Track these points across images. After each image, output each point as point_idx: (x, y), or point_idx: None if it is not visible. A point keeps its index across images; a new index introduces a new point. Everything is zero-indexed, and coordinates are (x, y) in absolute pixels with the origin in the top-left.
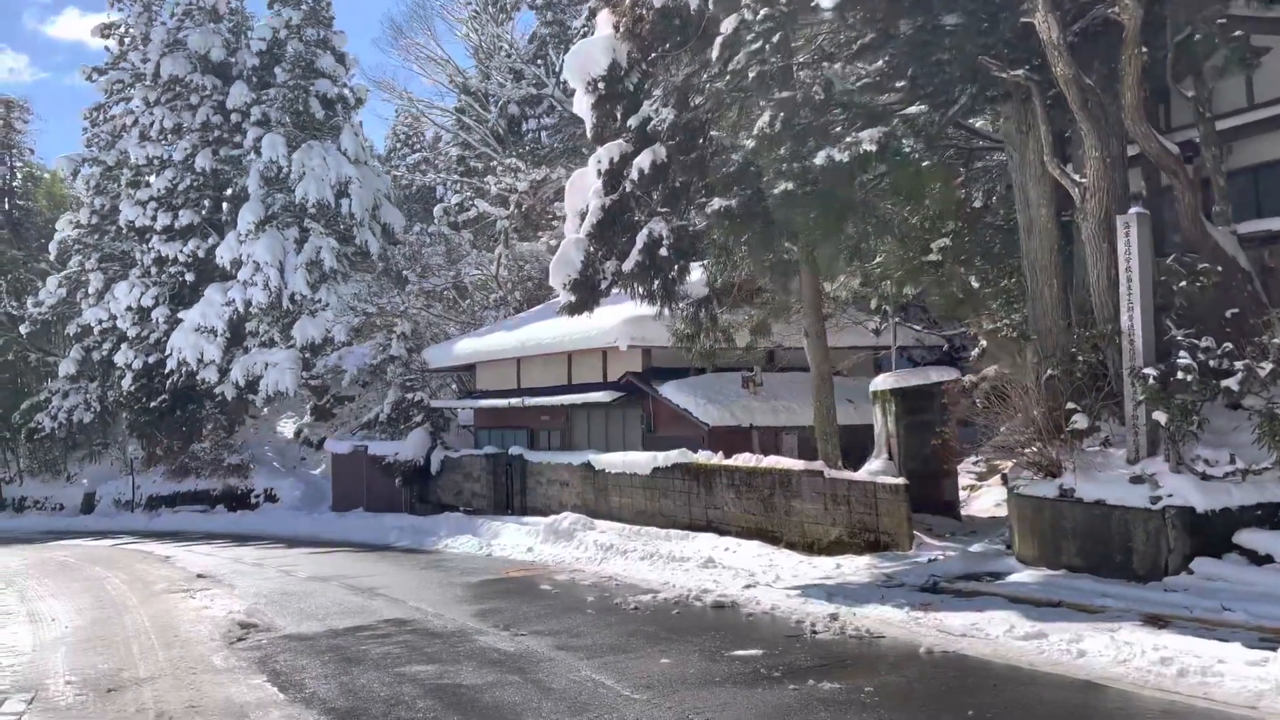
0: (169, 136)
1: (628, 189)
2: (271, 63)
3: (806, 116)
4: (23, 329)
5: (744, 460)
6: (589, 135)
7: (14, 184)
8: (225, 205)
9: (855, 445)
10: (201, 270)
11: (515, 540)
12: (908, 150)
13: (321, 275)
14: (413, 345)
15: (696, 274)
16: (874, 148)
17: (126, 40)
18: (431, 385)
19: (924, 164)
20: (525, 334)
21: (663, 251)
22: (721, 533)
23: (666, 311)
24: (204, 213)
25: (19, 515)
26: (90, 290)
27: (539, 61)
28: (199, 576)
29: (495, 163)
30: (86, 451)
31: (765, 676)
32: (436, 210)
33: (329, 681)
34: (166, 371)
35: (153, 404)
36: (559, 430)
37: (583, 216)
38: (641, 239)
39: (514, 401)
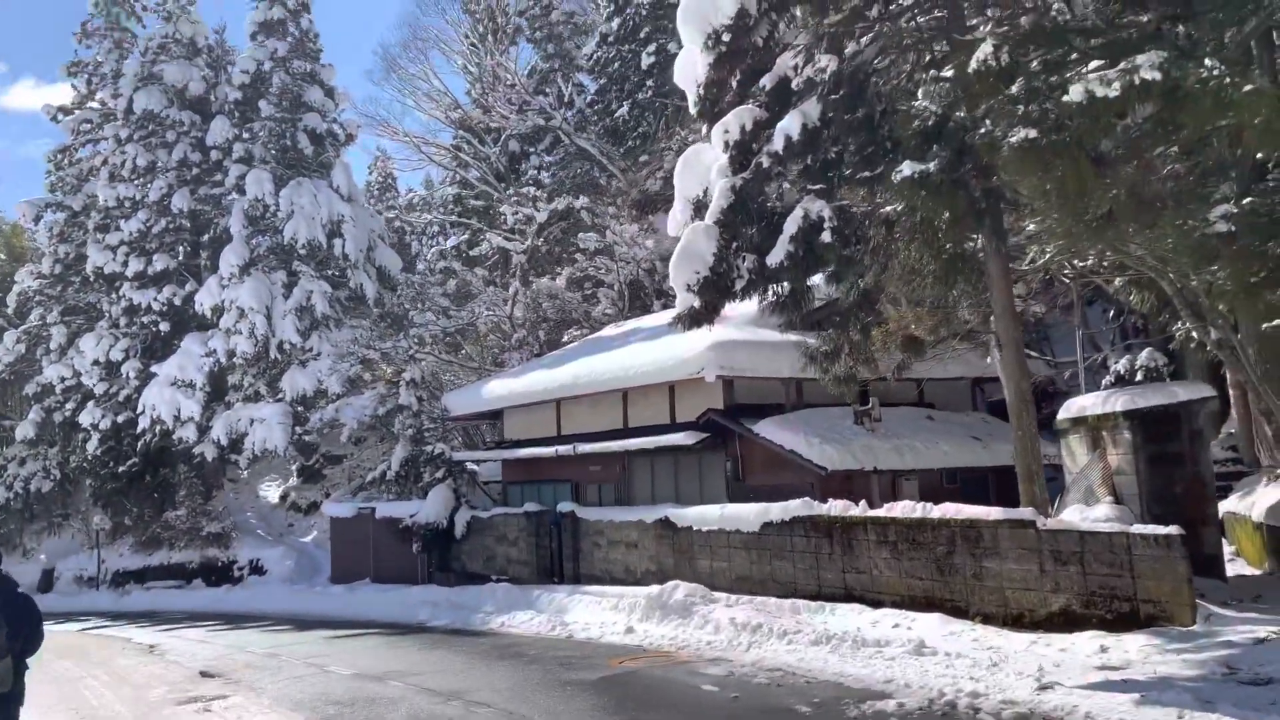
0: (142, 176)
1: (764, 164)
2: (255, 97)
3: (1041, 46)
4: None
5: (903, 510)
6: (695, 109)
7: None
8: (204, 250)
9: (994, 492)
10: (178, 319)
11: (595, 616)
12: (1206, 75)
13: (313, 322)
14: (424, 393)
15: (815, 278)
16: (1157, 75)
17: (95, 79)
18: (451, 438)
19: (1240, 89)
20: (574, 369)
21: (825, 237)
22: (872, 603)
23: (786, 324)
24: (181, 257)
25: None
26: (52, 345)
27: (545, 91)
28: (204, 676)
29: (510, 191)
30: (45, 524)
31: None
32: (431, 254)
33: None
34: (138, 431)
35: (121, 468)
36: (613, 483)
37: (696, 206)
38: (793, 224)
39: (560, 450)
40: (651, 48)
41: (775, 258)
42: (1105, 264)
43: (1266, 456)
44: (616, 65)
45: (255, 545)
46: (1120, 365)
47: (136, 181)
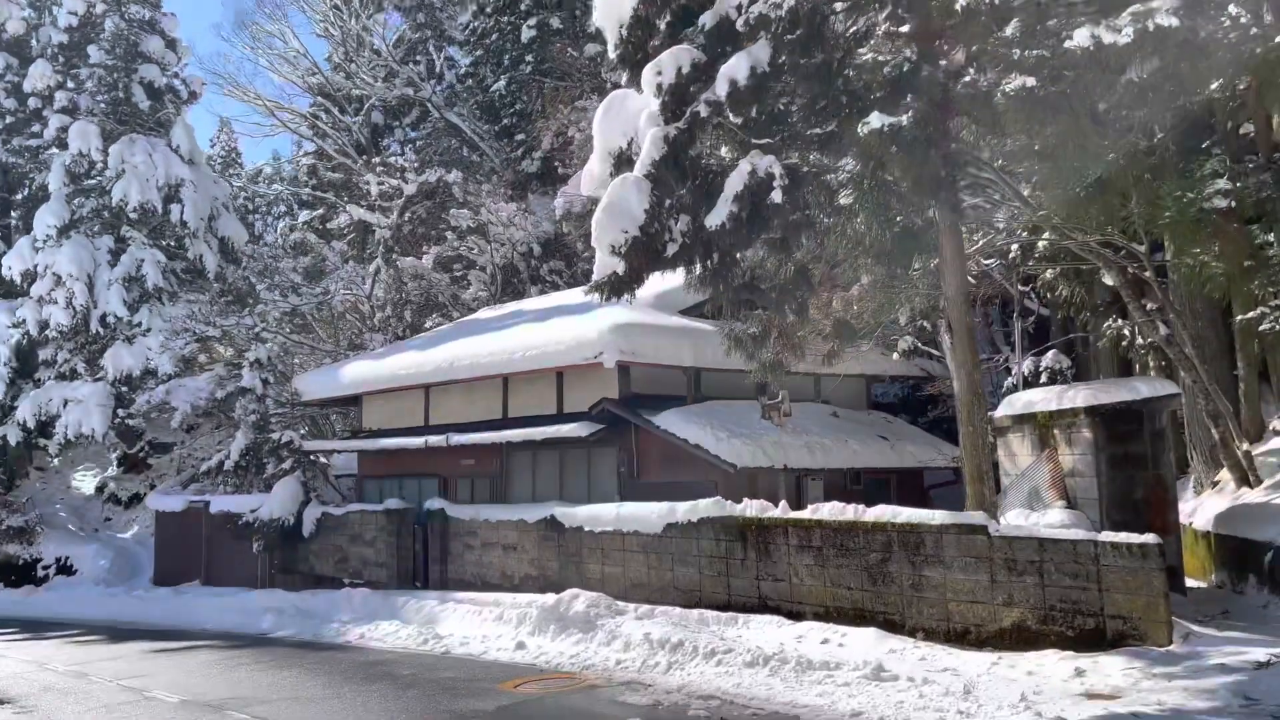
0: None
1: (702, 113)
2: (84, 42)
3: None
4: None
5: (831, 512)
6: (617, 52)
7: None
8: (16, 210)
9: (895, 495)
10: None
11: (475, 628)
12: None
13: (143, 293)
14: (270, 376)
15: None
16: (1173, 21)
17: None
18: (299, 427)
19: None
20: (450, 351)
21: (775, 197)
22: (792, 615)
23: (713, 298)
24: None
25: None
26: None
27: (414, 61)
28: None
29: (377, 160)
30: None
31: None
32: (281, 227)
33: None
34: None
35: None
36: (488, 479)
37: (618, 159)
38: (738, 180)
39: (431, 440)
40: (532, 21)
41: (715, 219)
42: (1039, 252)
43: (1200, 462)
44: (494, 37)
45: (64, 541)
46: (1025, 366)
47: None
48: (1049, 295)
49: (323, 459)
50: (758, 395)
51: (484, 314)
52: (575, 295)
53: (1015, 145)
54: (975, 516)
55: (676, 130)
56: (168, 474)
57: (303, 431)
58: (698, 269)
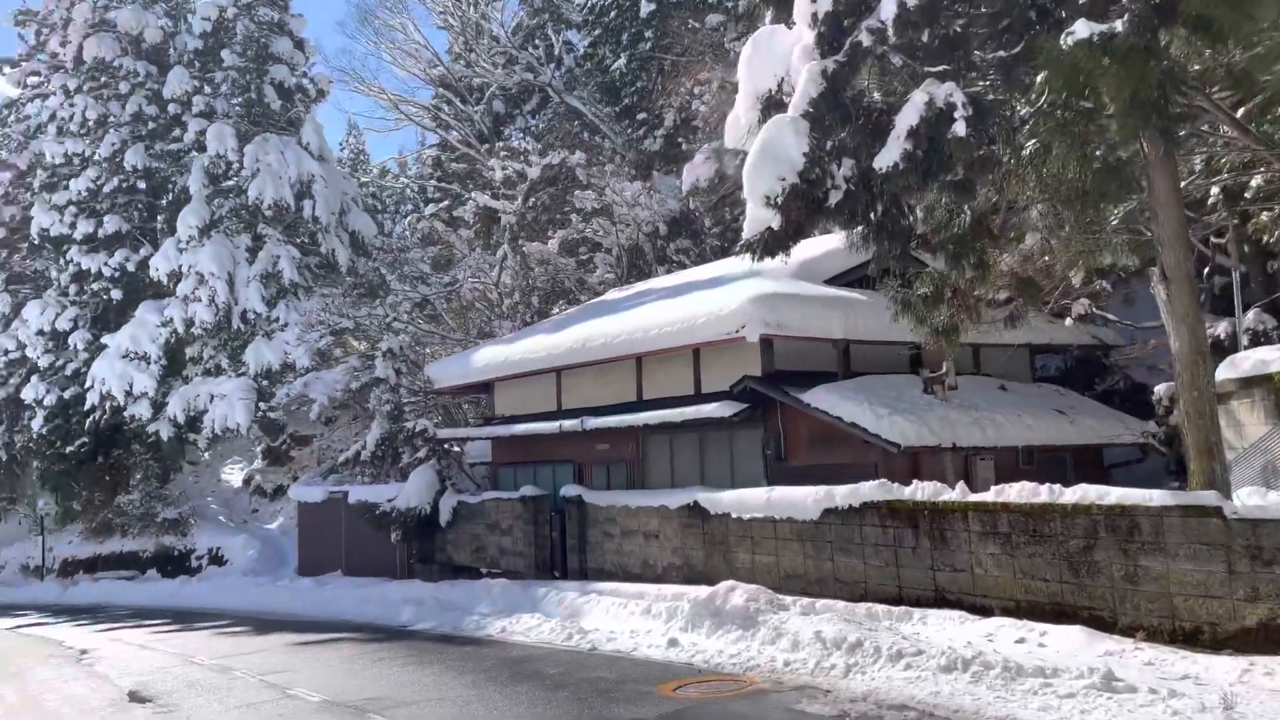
0: (93, 130)
1: (864, 42)
2: (217, 47)
3: None
4: None
5: (1021, 494)
6: None
7: None
8: (161, 213)
9: (1073, 474)
10: (131, 286)
11: (621, 623)
12: None
13: (280, 289)
14: (402, 366)
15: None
16: None
17: (45, 30)
18: (432, 416)
19: None
20: (581, 332)
21: (958, 129)
22: (976, 610)
23: (876, 254)
24: (135, 220)
25: None
26: None
27: (535, 44)
28: (132, 699)
29: (500, 145)
30: None
31: None
32: (409, 219)
33: None
34: (87, 408)
35: (69, 448)
36: (625, 464)
37: (766, 103)
38: (912, 113)
39: (565, 425)
40: None
41: (886, 159)
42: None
43: None
44: (613, 15)
45: (215, 533)
46: (1220, 330)
47: (86, 137)
48: (1249, 245)
49: (456, 447)
50: (914, 368)
51: (612, 295)
52: (706, 271)
53: (1246, 57)
54: (1206, 496)
55: (835, 64)
56: (309, 465)
57: (436, 420)
58: (860, 224)
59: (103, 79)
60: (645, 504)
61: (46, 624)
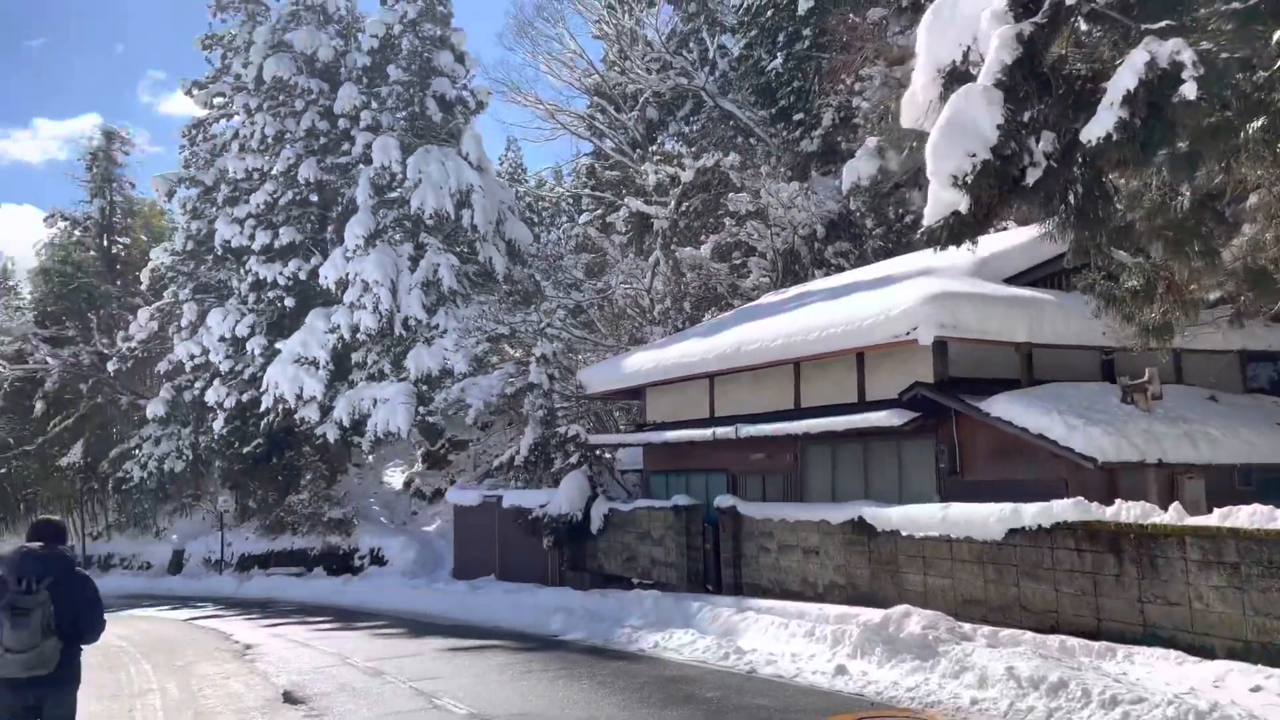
0: (271, 146)
1: (1068, 0)
2: (383, 63)
3: None
4: (111, 366)
5: (1255, 519)
6: None
7: (114, 218)
8: (330, 224)
9: None
10: (303, 294)
11: (780, 644)
12: None
13: (439, 297)
14: (555, 371)
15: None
16: None
17: (229, 54)
18: (584, 422)
19: None
20: (736, 335)
21: (1186, 92)
22: (1194, 650)
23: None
24: (308, 230)
25: (104, 575)
26: (183, 322)
27: (689, 48)
28: (286, 700)
29: (653, 150)
30: (177, 504)
31: None
32: (563, 227)
33: None
34: (262, 410)
35: (246, 449)
36: (781, 475)
37: (949, 76)
38: (1129, 75)
39: (719, 432)
40: None
41: (1095, 130)
42: None
43: None
44: (769, 14)
45: (377, 533)
46: None
47: (265, 152)
48: None
49: (607, 454)
50: (1108, 377)
51: (768, 298)
52: (870, 272)
53: None
54: None
55: (1033, 26)
56: (465, 470)
57: (588, 426)
58: (1060, 207)
59: (280, 97)
60: (805, 518)
61: (220, 616)
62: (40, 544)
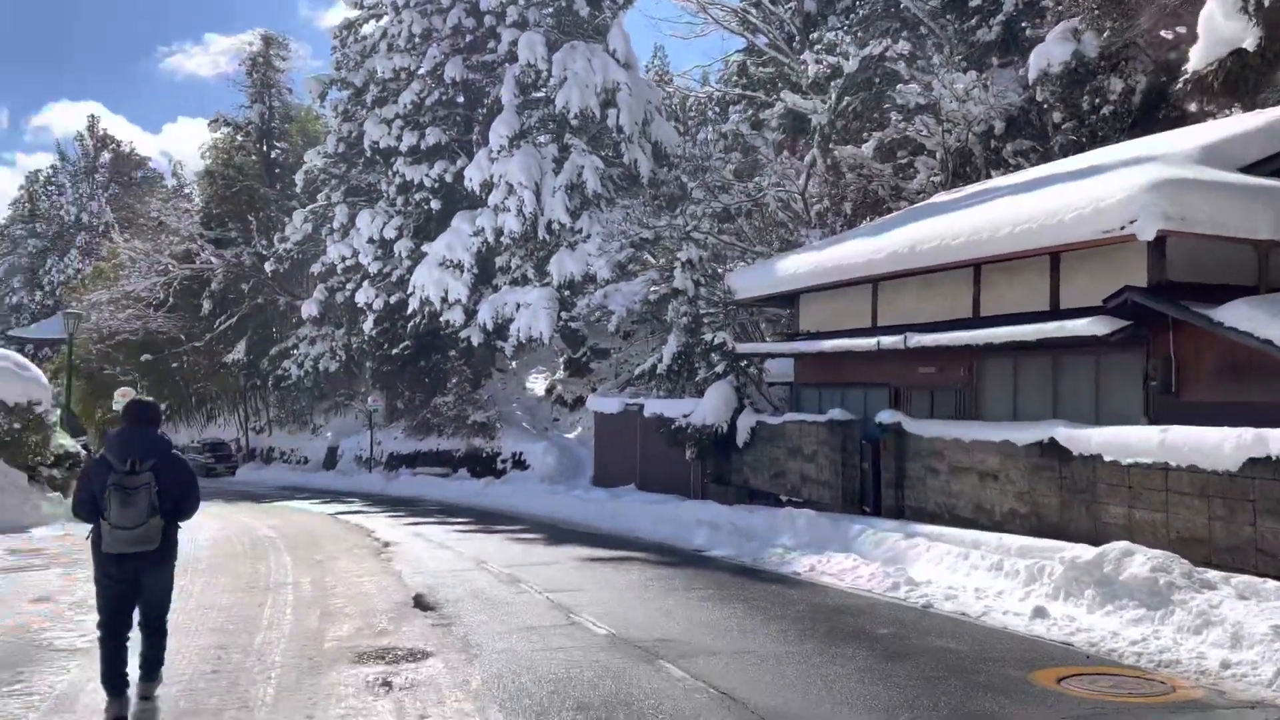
0: (417, 44)
1: None
2: None
3: None
4: (269, 267)
5: None
6: None
7: (272, 123)
8: (476, 126)
9: None
10: (448, 197)
11: (958, 576)
12: None
13: (583, 200)
14: (701, 277)
15: None
16: None
17: None
18: (731, 329)
19: None
20: (908, 234)
21: None
22: None
23: None
24: (454, 131)
25: (265, 467)
26: (335, 225)
27: None
28: (417, 605)
29: (814, 38)
30: (331, 403)
31: None
32: (712, 129)
33: None
34: (409, 313)
35: (394, 350)
36: (952, 390)
37: None
38: None
39: (885, 341)
40: None
41: None
42: None
43: None
44: None
45: (519, 438)
46: None
47: (411, 51)
48: None
49: (754, 366)
50: None
51: (941, 197)
52: (1066, 164)
53: None
54: None
55: None
56: (606, 378)
57: (734, 336)
58: None
59: None
60: (983, 438)
61: (365, 513)
62: (139, 427)
